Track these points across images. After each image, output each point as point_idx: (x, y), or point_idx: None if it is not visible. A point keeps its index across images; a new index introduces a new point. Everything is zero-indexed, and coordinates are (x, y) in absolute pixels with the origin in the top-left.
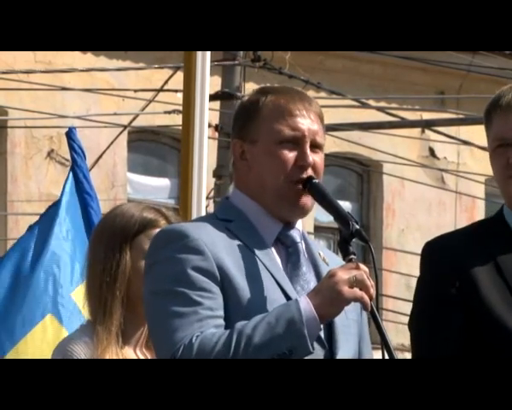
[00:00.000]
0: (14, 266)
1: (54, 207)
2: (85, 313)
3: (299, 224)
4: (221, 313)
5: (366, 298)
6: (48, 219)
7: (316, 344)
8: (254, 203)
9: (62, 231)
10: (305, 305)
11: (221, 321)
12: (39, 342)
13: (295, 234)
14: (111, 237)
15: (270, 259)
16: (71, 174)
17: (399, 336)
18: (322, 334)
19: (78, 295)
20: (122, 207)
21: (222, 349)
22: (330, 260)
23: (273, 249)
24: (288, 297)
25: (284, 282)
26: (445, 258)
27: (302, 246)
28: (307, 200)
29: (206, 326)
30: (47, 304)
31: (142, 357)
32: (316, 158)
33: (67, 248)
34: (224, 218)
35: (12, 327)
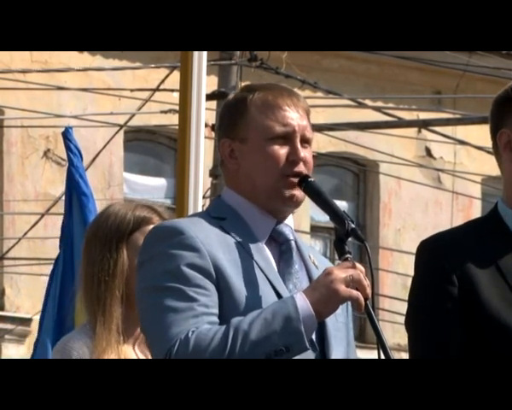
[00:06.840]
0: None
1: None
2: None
3: (291, 222)
4: (215, 311)
5: (361, 299)
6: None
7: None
8: (246, 201)
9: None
10: (302, 302)
11: (215, 319)
12: None
13: (288, 231)
14: (106, 237)
15: (264, 257)
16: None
17: (396, 336)
18: (313, 336)
19: None
20: (113, 208)
21: (218, 345)
22: (320, 263)
23: (266, 247)
24: (280, 297)
25: (277, 281)
26: (443, 256)
27: (294, 244)
28: (298, 192)
29: (200, 323)
30: None
31: (141, 354)
32: (306, 153)
33: None
34: (217, 216)
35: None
